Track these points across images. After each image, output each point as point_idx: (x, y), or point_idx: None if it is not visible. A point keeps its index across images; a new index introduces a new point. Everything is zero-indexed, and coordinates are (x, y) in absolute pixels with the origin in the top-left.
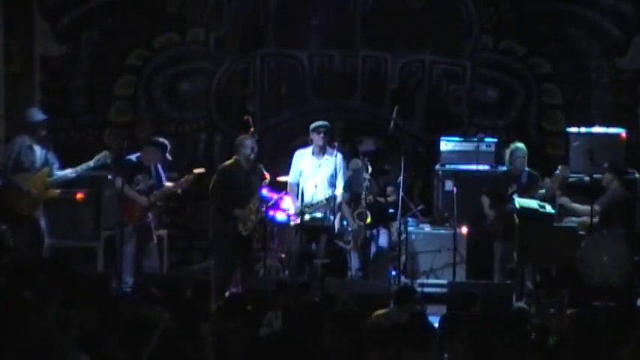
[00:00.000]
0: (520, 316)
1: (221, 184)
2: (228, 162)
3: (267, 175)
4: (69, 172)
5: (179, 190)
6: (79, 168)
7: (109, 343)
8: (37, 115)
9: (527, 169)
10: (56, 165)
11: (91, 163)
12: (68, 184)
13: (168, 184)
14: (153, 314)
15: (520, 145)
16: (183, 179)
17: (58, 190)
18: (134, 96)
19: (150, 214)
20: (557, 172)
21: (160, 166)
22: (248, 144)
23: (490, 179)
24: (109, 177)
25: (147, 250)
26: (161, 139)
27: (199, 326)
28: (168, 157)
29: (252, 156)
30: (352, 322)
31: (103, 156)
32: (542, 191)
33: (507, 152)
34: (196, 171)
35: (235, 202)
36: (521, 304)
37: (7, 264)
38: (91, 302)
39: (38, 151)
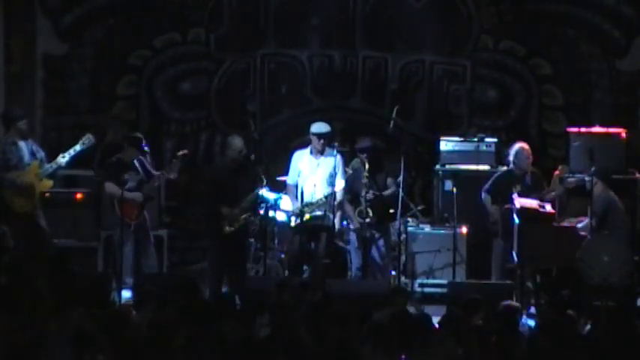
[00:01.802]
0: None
1: (206, 183)
2: (215, 162)
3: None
4: (59, 159)
5: (172, 176)
6: (66, 154)
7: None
8: (15, 111)
9: (530, 169)
10: (44, 158)
11: (77, 147)
12: (67, 183)
13: (157, 173)
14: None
15: (526, 146)
16: (170, 165)
17: (52, 181)
18: (136, 95)
19: (146, 213)
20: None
21: (144, 160)
22: (235, 144)
23: (491, 177)
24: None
25: (145, 250)
26: (134, 134)
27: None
28: (146, 149)
29: (247, 155)
30: (352, 322)
31: (87, 138)
32: (552, 194)
33: (512, 152)
34: (179, 153)
35: (222, 201)
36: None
37: (7, 263)
38: (89, 302)
39: (24, 147)
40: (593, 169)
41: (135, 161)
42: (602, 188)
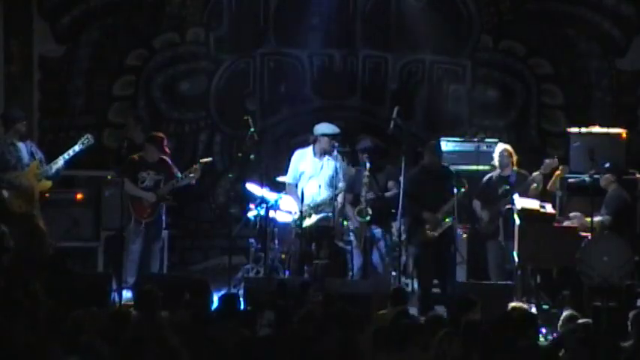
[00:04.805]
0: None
1: (407, 190)
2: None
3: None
4: (58, 160)
5: (193, 182)
6: (66, 154)
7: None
8: (14, 112)
9: (515, 169)
10: (43, 159)
11: (76, 147)
12: (67, 183)
13: (179, 175)
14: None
15: (504, 146)
16: (190, 170)
17: (50, 182)
18: (134, 96)
19: (162, 212)
20: (547, 161)
21: (168, 159)
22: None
23: (481, 183)
24: (109, 177)
25: (149, 250)
26: (156, 134)
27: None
28: (166, 149)
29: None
30: (352, 323)
31: (86, 138)
32: (534, 185)
33: (495, 155)
34: (203, 160)
35: (424, 206)
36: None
37: (7, 264)
38: (89, 303)
39: (22, 148)
40: (607, 165)
41: (157, 161)
42: (616, 186)
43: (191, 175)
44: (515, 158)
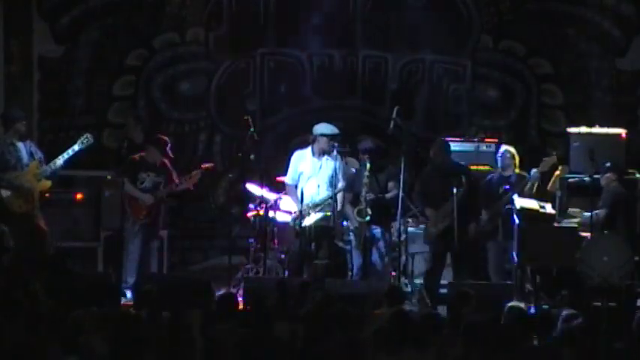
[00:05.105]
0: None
1: (416, 188)
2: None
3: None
4: (57, 159)
5: (191, 187)
6: (65, 154)
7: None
8: (14, 112)
9: (516, 171)
10: (42, 159)
11: (75, 147)
12: (67, 183)
13: (177, 180)
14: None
15: (507, 147)
16: (191, 174)
17: (50, 181)
18: (134, 96)
19: (162, 212)
20: (546, 159)
21: (168, 163)
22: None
23: (481, 183)
24: (109, 177)
25: (146, 251)
26: (159, 136)
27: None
28: (169, 153)
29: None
30: (352, 323)
31: (85, 137)
32: (528, 185)
33: (498, 155)
34: (204, 166)
35: (430, 203)
36: (516, 303)
37: (7, 264)
38: (89, 303)
39: (22, 148)
40: (608, 164)
41: (158, 163)
42: (617, 184)
43: (191, 179)
44: (517, 160)
